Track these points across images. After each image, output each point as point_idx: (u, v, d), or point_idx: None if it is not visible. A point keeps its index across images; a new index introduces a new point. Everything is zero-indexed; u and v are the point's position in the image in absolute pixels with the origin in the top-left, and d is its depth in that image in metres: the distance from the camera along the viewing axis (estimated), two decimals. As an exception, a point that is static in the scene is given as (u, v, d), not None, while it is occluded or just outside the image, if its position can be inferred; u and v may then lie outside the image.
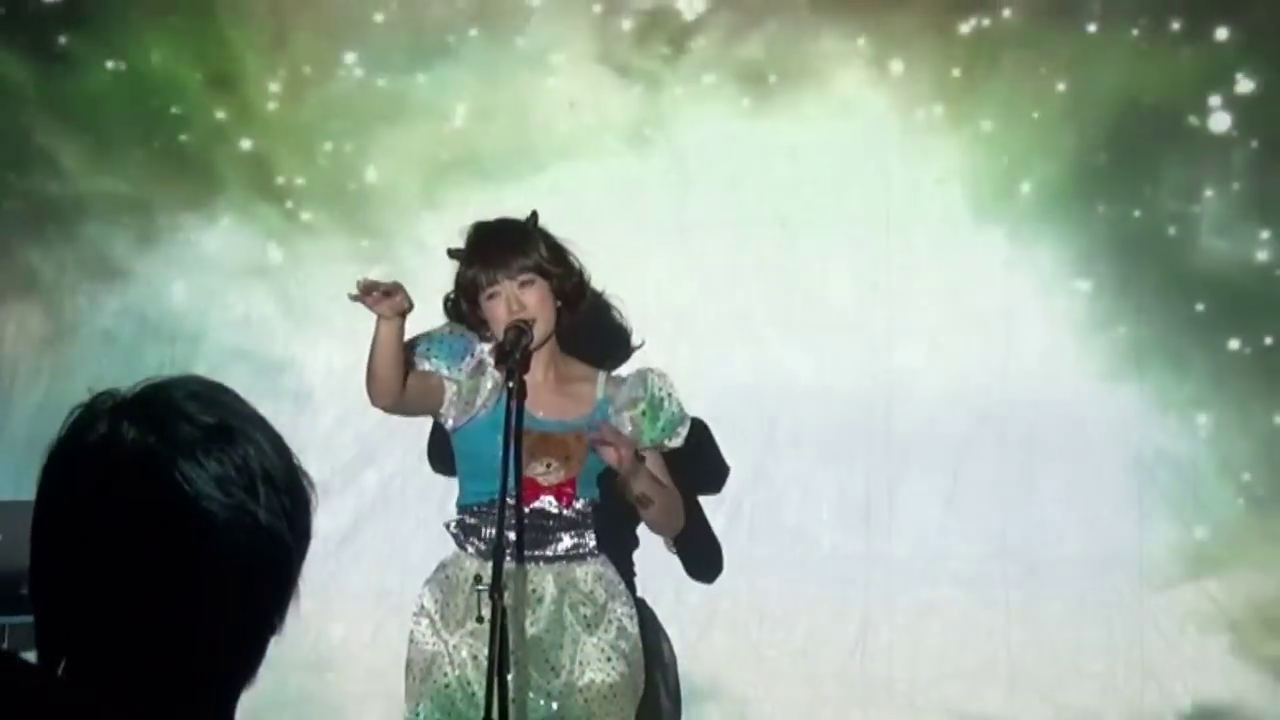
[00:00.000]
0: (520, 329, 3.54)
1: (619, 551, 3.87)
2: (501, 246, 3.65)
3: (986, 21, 4.08)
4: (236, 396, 1.38)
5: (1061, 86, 4.07)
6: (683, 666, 4.24)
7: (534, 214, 3.71)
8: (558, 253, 3.70)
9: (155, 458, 1.32)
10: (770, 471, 4.40)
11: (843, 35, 4.18)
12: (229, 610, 1.33)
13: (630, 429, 3.73)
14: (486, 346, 3.73)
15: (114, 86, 4.06)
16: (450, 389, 3.71)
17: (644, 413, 3.74)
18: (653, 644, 3.93)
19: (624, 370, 3.92)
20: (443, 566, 3.72)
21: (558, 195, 4.18)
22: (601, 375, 3.82)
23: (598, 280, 3.98)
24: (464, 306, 3.68)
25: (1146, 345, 4.17)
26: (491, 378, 3.73)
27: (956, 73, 4.08)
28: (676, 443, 3.78)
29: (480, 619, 3.42)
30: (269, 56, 4.02)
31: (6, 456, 3.58)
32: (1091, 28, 4.13)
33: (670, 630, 4.15)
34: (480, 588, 3.41)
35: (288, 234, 4.10)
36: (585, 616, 3.67)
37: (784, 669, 4.38)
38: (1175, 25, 4.08)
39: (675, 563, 4.31)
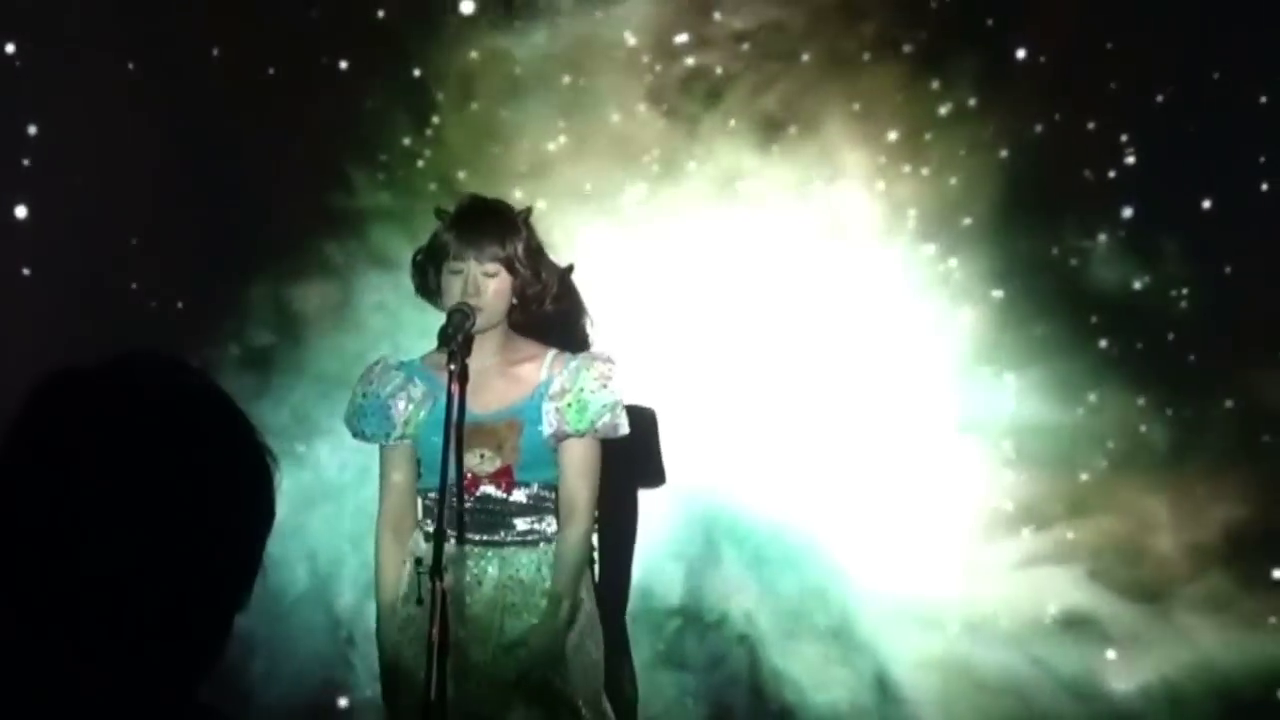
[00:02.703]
0: (464, 312, 3.34)
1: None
2: (484, 226, 3.43)
3: (954, 106, 4.71)
4: (195, 374, 1.31)
5: (1004, 153, 4.69)
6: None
7: (529, 209, 3.56)
8: (534, 256, 3.49)
9: (112, 446, 1.25)
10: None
11: (842, 99, 4.71)
12: (193, 590, 1.26)
13: (557, 418, 3.49)
14: (394, 365, 3.55)
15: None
16: (409, 445, 3.51)
17: (570, 404, 3.49)
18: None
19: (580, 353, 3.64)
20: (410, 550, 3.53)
21: (604, 203, 4.71)
22: (550, 354, 3.57)
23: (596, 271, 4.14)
24: (428, 268, 3.48)
25: (1052, 342, 4.67)
26: (421, 384, 3.52)
27: (929, 136, 4.69)
28: (608, 430, 3.52)
29: (420, 600, 3.31)
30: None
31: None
32: (1029, 120, 4.68)
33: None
34: (421, 570, 3.29)
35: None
36: (514, 602, 3.48)
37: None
38: (1090, 125, 4.68)
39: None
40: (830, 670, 4.52)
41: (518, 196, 4.53)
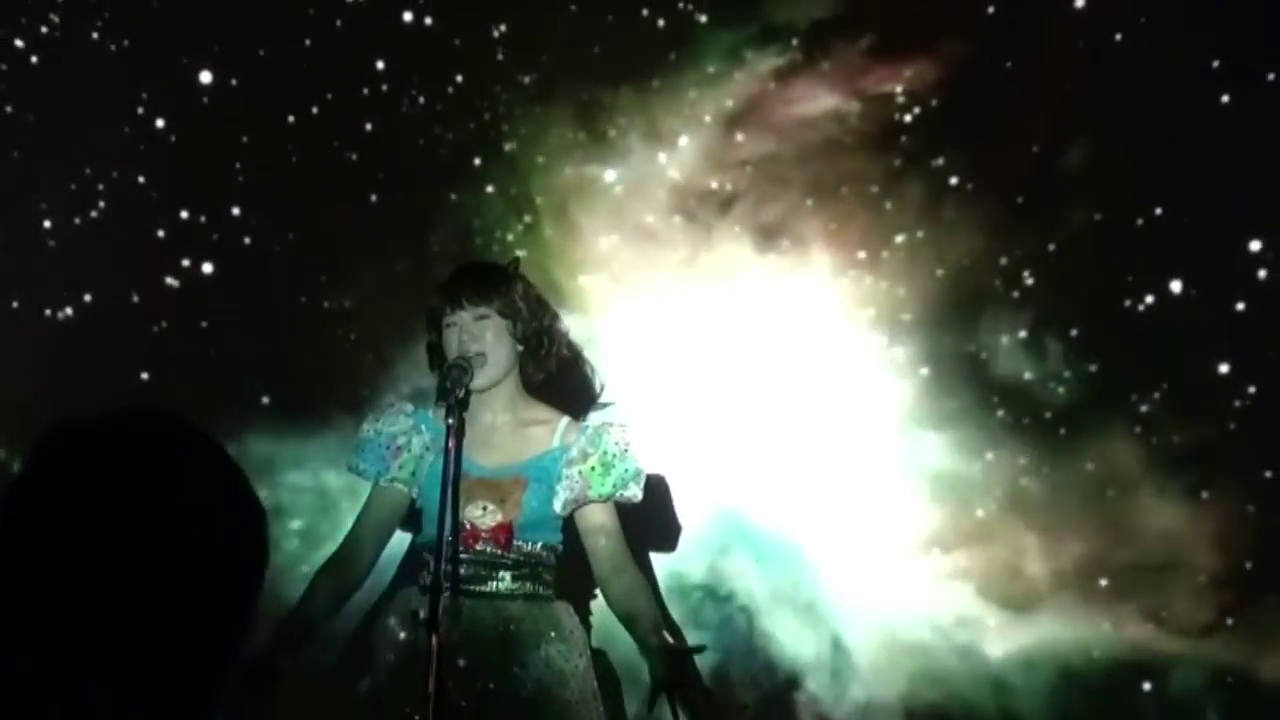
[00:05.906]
0: (461, 367, 3.17)
1: (575, 599, 3.54)
2: (467, 282, 3.29)
3: (906, 235, 5.46)
4: (185, 428, 1.32)
5: (940, 272, 5.41)
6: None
7: (516, 259, 3.46)
8: (529, 300, 3.31)
9: (114, 499, 1.27)
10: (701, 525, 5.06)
11: (826, 220, 5.46)
12: (197, 628, 1.29)
13: (580, 482, 3.29)
14: (407, 410, 3.35)
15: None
16: (400, 490, 3.33)
17: (594, 468, 3.29)
18: (612, 695, 3.65)
19: (593, 419, 3.43)
20: (402, 600, 3.39)
21: (639, 285, 5.38)
22: (563, 421, 3.38)
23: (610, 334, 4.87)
24: (430, 338, 3.34)
25: (963, 412, 5.33)
26: (428, 433, 3.31)
27: (885, 255, 5.45)
28: (630, 497, 3.31)
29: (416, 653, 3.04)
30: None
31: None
32: (958, 250, 5.32)
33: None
34: (419, 624, 3.05)
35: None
36: (513, 653, 3.29)
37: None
38: (1001, 260, 5.31)
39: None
40: (802, 633, 5.24)
41: (580, 280, 5.47)
